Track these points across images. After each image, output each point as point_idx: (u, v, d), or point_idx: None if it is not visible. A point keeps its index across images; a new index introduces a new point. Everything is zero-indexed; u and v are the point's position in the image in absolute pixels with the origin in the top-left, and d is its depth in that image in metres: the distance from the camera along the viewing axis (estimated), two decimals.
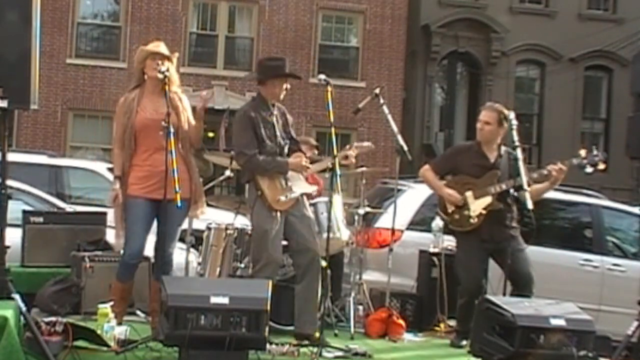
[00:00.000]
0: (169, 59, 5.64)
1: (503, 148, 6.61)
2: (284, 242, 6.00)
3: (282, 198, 5.85)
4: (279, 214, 5.84)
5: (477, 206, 6.45)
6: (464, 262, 6.55)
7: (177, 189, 5.26)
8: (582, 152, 6.48)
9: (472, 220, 6.45)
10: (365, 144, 6.62)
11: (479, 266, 6.51)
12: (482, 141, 6.59)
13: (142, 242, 5.63)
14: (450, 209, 6.57)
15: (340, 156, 6.18)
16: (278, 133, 6.00)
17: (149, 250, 5.82)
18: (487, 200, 6.44)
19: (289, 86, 6.07)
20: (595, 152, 6.44)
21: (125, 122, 5.63)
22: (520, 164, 6.26)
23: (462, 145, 7.34)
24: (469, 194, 6.48)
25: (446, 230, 7.00)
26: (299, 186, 6.02)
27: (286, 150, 6.05)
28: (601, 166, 6.44)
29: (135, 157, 5.63)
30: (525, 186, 6.15)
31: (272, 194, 5.84)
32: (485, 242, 6.44)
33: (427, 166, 6.81)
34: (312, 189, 6.30)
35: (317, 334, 5.75)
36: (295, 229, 5.92)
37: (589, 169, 6.41)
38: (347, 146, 6.45)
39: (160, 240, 5.64)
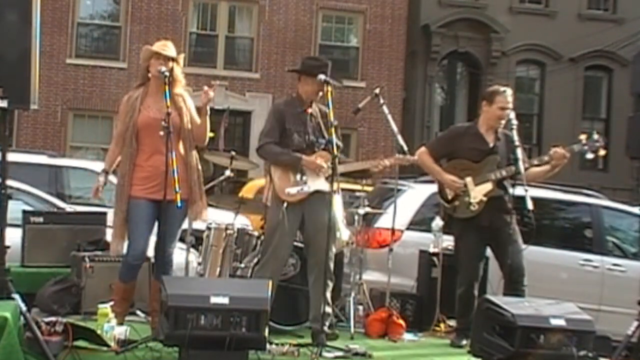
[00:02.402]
0: (174, 60, 5.62)
1: (500, 129, 6.49)
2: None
3: (291, 191, 5.83)
4: (285, 205, 5.80)
5: (478, 193, 6.37)
6: (463, 249, 6.51)
7: (177, 189, 5.26)
8: (582, 138, 6.39)
9: (472, 207, 6.36)
10: (409, 157, 6.40)
11: (478, 253, 6.48)
12: (494, 126, 6.42)
13: (145, 243, 5.62)
14: (450, 195, 6.49)
15: (375, 164, 6.16)
16: (310, 130, 5.97)
17: (149, 251, 5.81)
18: (488, 186, 6.36)
19: (322, 92, 5.93)
20: (595, 137, 6.36)
21: (127, 121, 5.62)
22: (520, 164, 6.19)
23: (460, 127, 6.98)
24: (468, 179, 6.39)
25: (446, 231, 6.99)
26: (316, 183, 5.95)
27: (317, 149, 5.99)
28: (602, 152, 6.33)
29: (138, 157, 5.61)
30: (525, 183, 6.07)
31: (281, 184, 5.83)
32: (484, 228, 6.37)
33: (423, 149, 6.68)
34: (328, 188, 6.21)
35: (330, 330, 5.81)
36: (311, 228, 5.90)
37: (590, 155, 6.34)
38: (386, 158, 6.25)
39: (160, 241, 5.64)
